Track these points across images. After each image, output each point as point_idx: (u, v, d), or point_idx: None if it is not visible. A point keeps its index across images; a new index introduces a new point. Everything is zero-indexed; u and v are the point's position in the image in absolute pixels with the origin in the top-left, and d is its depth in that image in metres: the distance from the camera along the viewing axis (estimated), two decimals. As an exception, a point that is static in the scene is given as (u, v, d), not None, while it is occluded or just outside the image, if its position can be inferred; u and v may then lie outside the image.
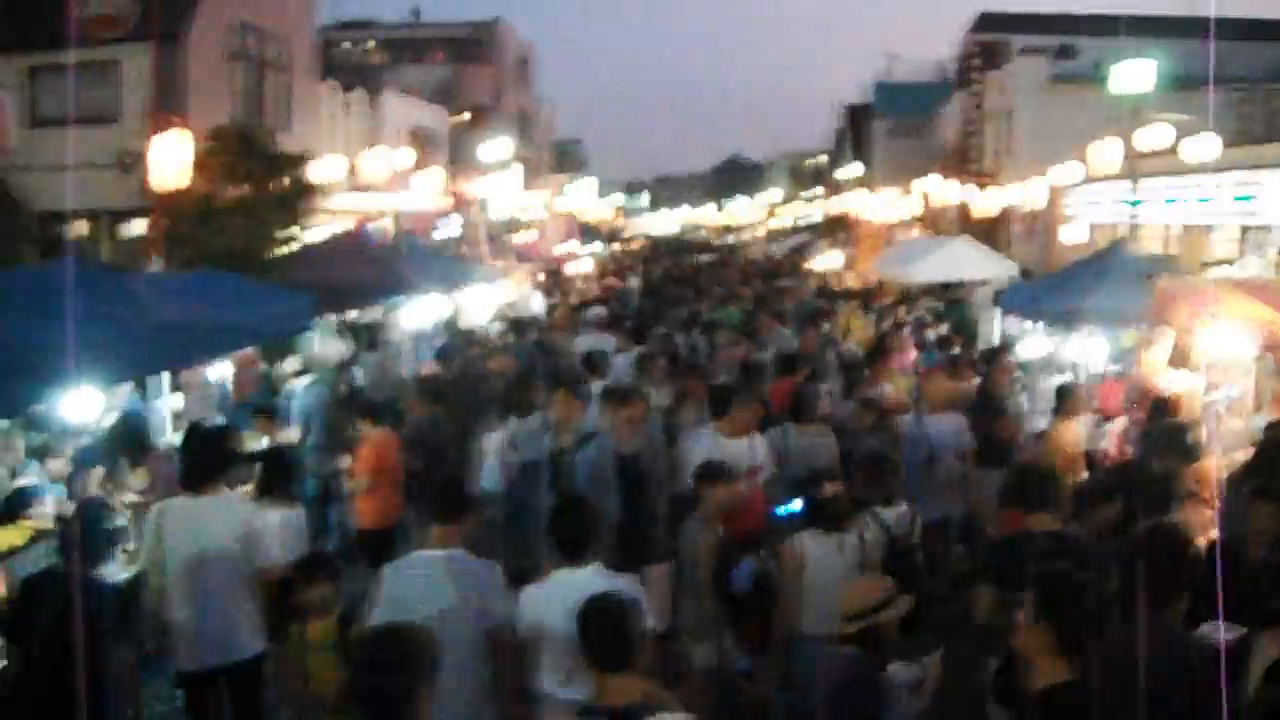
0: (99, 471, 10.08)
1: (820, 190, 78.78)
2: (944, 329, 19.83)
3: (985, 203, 34.06)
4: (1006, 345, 14.94)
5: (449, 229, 36.75)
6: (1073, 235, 28.70)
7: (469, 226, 38.12)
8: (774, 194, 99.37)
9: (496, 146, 37.91)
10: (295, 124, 25.99)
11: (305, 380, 13.14)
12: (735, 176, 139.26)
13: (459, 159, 41.49)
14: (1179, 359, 11.93)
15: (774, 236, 79.01)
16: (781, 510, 8.93)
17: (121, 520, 8.75)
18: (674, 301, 24.15)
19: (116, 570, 8.11)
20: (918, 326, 19.84)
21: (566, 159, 77.35)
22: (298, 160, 20.39)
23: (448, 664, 4.73)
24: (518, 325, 18.19)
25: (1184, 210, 23.00)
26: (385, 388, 14.77)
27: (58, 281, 8.62)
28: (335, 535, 11.87)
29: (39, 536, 8.80)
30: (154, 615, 7.05)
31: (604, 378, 12.23)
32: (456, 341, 16.37)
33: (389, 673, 4.32)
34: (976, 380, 13.03)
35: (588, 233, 62.73)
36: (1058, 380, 13.27)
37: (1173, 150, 22.11)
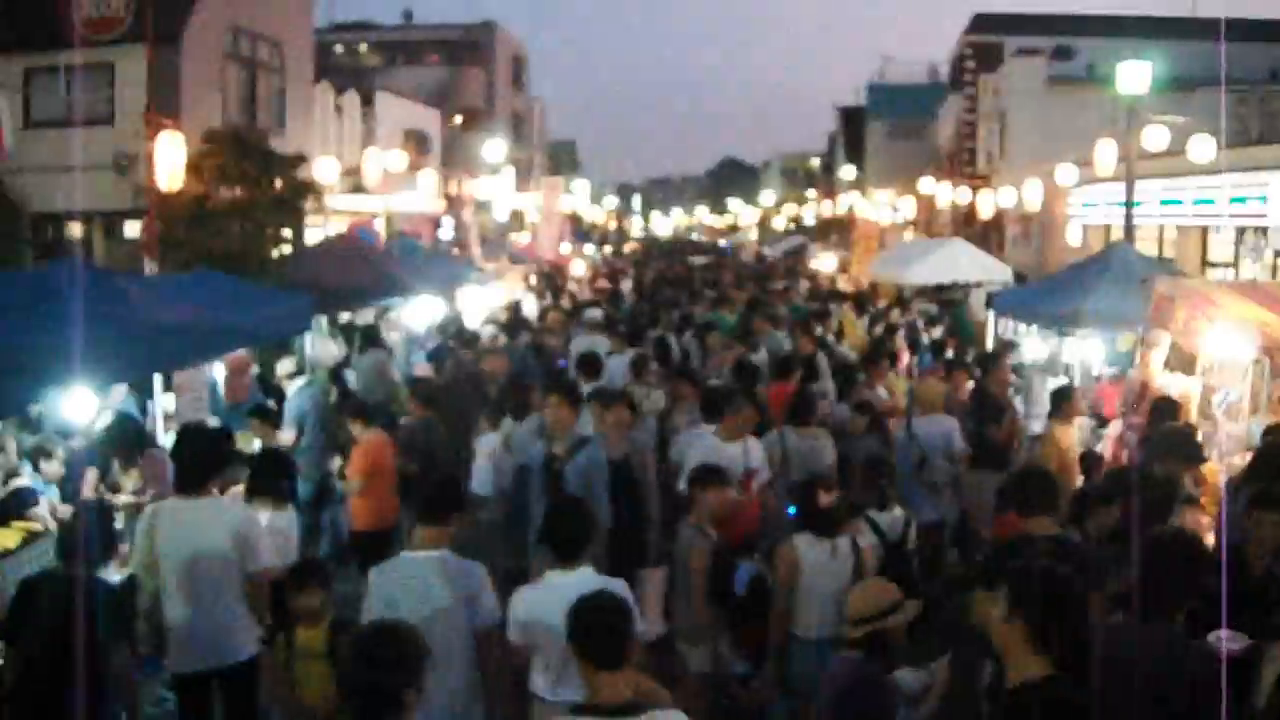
0: (93, 473, 10.03)
1: (814, 193, 78.96)
2: (938, 332, 19.84)
3: (980, 205, 34.08)
4: (1005, 348, 14.90)
5: (446, 231, 36.82)
6: (1068, 237, 28.73)
7: (462, 228, 38.16)
8: (768, 196, 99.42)
9: (489, 148, 37.94)
10: (289, 126, 25.99)
11: (299, 382, 13.11)
12: (730, 179, 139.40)
13: (452, 161, 41.54)
14: (1176, 362, 11.91)
15: (768, 239, 79.04)
16: (793, 511, 8.91)
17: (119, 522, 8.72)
18: (667, 304, 24.11)
19: (112, 572, 8.08)
20: (912, 329, 19.83)
21: (560, 161, 77.44)
22: (292, 162, 20.36)
23: (438, 664, 4.72)
24: (510, 327, 18.15)
25: (1179, 212, 23.01)
26: (379, 390, 14.72)
27: (53, 283, 8.62)
28: (329, 537, 11.84)
29: (33, 538, 8.78)
30: (147, 617, 7.02)
31: (599, 380, 12.19)
32: (448, 344, 16.30)
33: (381, 669, 4.30)
34: (971, 384, 13.00)
35: (581, 235, 62.72)
36: (1054, 383, 13.27)
37: (1169, 152, 22.14)
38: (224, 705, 7.06)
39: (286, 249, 19.23)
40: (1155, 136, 22.38)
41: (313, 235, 22.40)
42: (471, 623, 5.88)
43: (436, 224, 36.88)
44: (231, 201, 18.86)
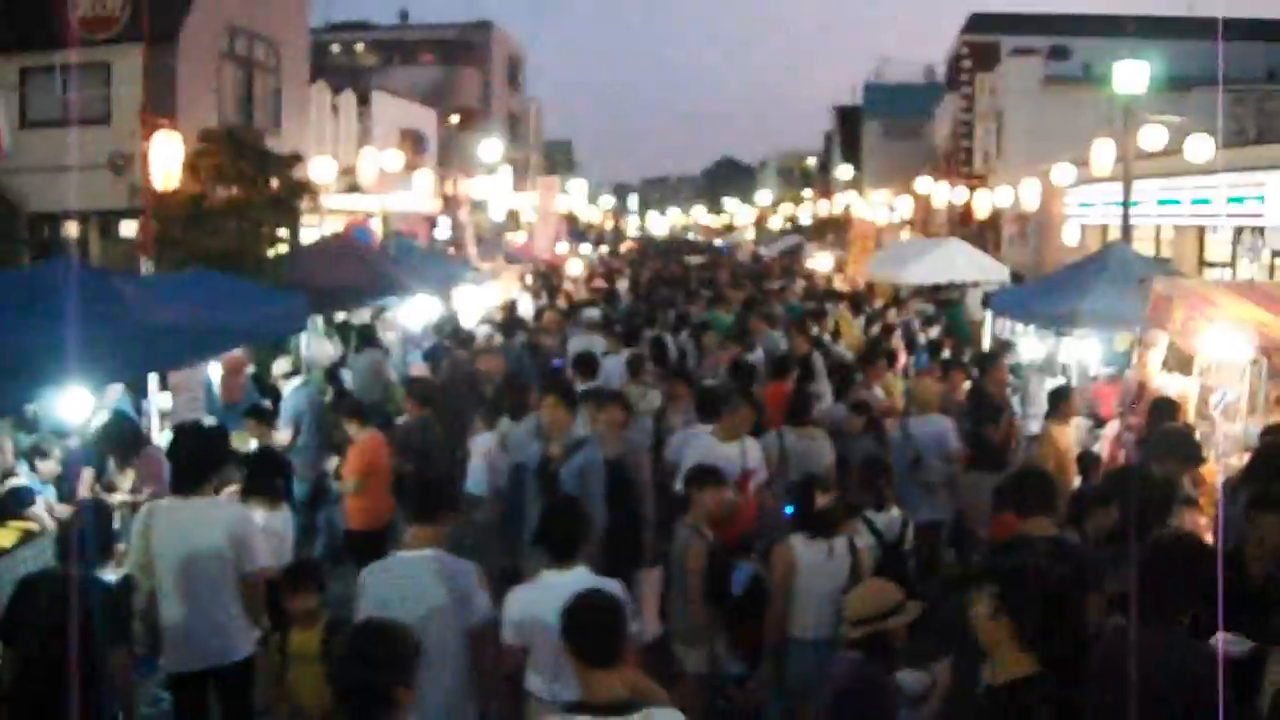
0: (89, 472, 10.02)
1: (810, 192, 78.93)
2: (934, 332, 19.84)
3: (976, 204, 34.07)
4: (1002, 348, 14.89)
5: (442, 231, 36.84)
6: (1065, 237, 28.73)
7: (458, 228, 38.17)
8: (764, 196, 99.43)
9: (486, 148, 37.93)
10: (285, 125, 25.97)
11: (295, 382, 13.09)
12: (727, 178, 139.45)
13: (448, 160, 41.53)
14: (1173, 362, 11.89)
15: (764, 238, 79.03)
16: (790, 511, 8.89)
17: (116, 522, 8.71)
18: (663, 304, 24.10)
19: (108, 572, 8.06)
20: (908, 329, 19.83)
21: (556, 160, 77.43)
22: (288, 161, 20.34)
23: (432, 663, 4.71)
24: (506, 327, 18.14)
25: (1176, 212, 23.01)
26: (375, 390, 14.70)
27: (49, 282, 8.61)
28: (324, 537, 11.83)
29: (29, 537, 8.77)
30: (143, 617, 7.00)
31: (595, 380, 12.17)
32: (444, 343, 16.29)
33: (372, 668, 4.30)
34: (968, 384, 12.98)
35: (577, 234, 62.74)
36: (1051, 383, 13.25)
37: (1166, 152, 22.13)
38: (219, 705, 7.05)
39: (282, 248, 19.19)
40: (1152, 136, 22.36)
41: (309, 235, 22.37)
42: (465, 622, 5.88)
43: (432, 224, 36.91)
44: (227, 201, 18.83)
